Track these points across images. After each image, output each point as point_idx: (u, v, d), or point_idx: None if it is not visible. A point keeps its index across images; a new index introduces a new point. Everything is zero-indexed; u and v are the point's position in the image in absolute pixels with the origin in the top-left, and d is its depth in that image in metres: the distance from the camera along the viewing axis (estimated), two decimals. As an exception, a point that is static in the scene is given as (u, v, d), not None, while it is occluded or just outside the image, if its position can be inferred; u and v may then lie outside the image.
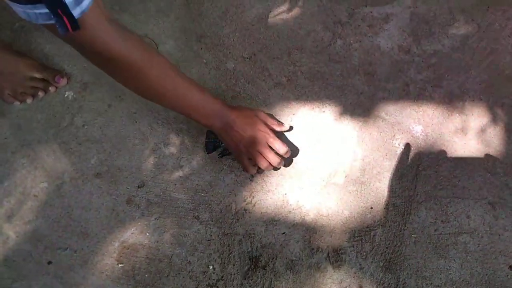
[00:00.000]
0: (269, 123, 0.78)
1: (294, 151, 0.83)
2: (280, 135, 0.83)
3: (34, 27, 0.91)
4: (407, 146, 0.81)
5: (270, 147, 0.76)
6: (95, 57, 0.61)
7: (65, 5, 0.47)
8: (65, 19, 0.48)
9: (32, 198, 0.82)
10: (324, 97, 0.87)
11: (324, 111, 0.86)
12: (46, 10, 0.47)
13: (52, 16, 0.48)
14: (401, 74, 0.88)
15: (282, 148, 0.76)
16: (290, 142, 0.84)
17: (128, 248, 0.79)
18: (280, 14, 0.93)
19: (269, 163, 0.76)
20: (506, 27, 0.91)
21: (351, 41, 0.91)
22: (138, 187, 0.82)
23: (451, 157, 0.83)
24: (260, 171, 0.80)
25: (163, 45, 0.91)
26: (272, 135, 0.76)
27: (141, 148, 0.84)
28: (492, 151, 0.82)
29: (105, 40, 0.57)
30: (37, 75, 0.83)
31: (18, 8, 0.48)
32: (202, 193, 0.82)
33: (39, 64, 0.85)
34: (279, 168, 0.81)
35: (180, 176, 0.83)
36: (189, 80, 0.71)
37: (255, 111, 0.78)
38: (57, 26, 0.49)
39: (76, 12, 0.49)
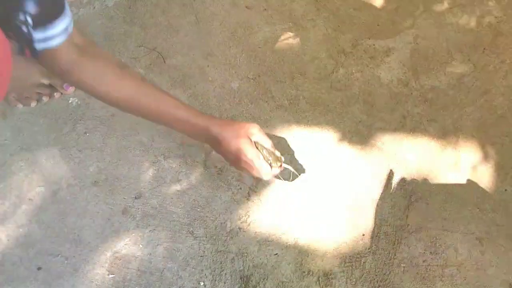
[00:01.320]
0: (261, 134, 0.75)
1: (299, 169, 0.84)
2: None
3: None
4: (391, 173, 0.84)
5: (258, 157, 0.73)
6: (68, 79, 0.72)
7: (30, 41, 0.57)
8: (26, 50, 0.58)
9: (27, 201, 0.81)
10: (324, 123, 0.90)
11: (322, 136, 0.89)
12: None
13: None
14: (398, 106, 0.92)
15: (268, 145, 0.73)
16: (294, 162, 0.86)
17: (120, 259, 0.78)
18: (287, 39, 0.96)
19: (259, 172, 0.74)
20: (500, 69, 0.95)
21: (353, 71, 0.94)
22: (135, 198, 0.83)
23: (442, 191, 0.85)
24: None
25: (170, 60, 0.93)
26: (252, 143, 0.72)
27: (141, 159, 0.85)
28: (482, 187, 0.85)
29: (75, 70, 0.67)
30: (45, 81, 0.84)
31: None
32: (198, 208, 0.82)
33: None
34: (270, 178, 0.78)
35: (178, 190, 0.83)
36: (167, 95, 0.73)
37: (244, 124, 0.74)
38: (16, 47, 0.58)
39: (39, 46, 0.59)
